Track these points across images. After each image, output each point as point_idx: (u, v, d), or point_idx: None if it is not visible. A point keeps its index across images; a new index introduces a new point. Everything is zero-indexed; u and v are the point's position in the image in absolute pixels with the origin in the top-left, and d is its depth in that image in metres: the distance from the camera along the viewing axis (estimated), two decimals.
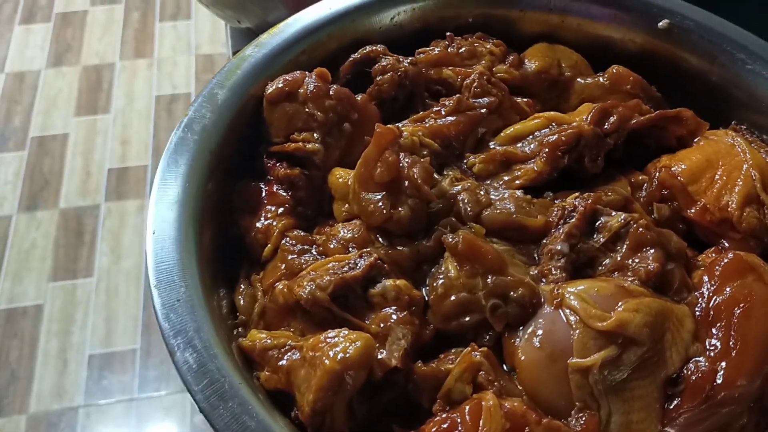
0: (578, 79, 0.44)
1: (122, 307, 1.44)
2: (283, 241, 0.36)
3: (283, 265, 0.36)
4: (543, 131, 0.39)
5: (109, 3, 2.09)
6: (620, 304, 0.31)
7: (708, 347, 0.31)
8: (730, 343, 0.31)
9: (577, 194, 0.37)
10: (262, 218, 0.37)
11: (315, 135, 0.38)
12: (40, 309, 1.44)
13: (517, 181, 0.38)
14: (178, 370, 0.29)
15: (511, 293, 0.33)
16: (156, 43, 1.98)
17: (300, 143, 0.38)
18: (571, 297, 0.32)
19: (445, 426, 0.30)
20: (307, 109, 0.38)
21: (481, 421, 0.29)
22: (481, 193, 0.37)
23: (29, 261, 1.55)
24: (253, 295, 0.36)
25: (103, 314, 1.42)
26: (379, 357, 0.31)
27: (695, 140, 0.39)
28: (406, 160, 0.36)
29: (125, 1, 2.08)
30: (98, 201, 1.68)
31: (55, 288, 1.45)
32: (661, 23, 0.43)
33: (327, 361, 0.30)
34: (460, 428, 0.30)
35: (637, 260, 0.33)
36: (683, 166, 0.37)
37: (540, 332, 0.32)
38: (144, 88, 1.88)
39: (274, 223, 0.37)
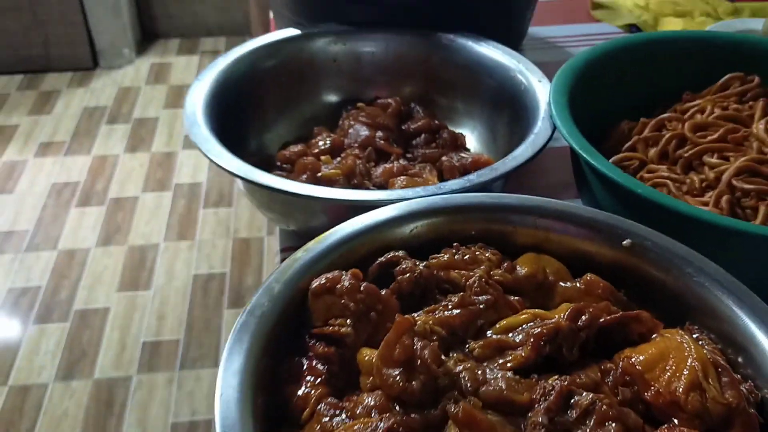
0: (560, 283, 0.54)
1: None
2: (319, 407, 0.45)
3: (318, 426, 0.44)
4: (529, 324, 0.49)
5: (159, 190, 2.30)
6: None
7: None
8: None
9: (556, 377, 0.46)
10: (303, 387, 0.47)
11: (348, 321, 0.49)
12: None
13: (508, 364, 0.47)
14: None
15: None
16: (198, 227, 2.15)
17: (335, 327, 0.48)
18: None
19: None
20: (342, 301, 0.49)
21: None
22: (479, 372, 0.46)
23: (59, 430, 1.61)
24: None
25: None
26: None
27: (653, 336, 0.49)
28: (419, 343, 0.46)
29: (174, 189, 2.29)
30: (130, 373, 1.76)
31: None
32: (624, 242, 0.54)
33: None
34: None
35: None
36: (641, 358, 0.47)
37: None
38: (183, 267, 2.02)
39: (312, 392, 0.46)
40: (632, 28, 1.10)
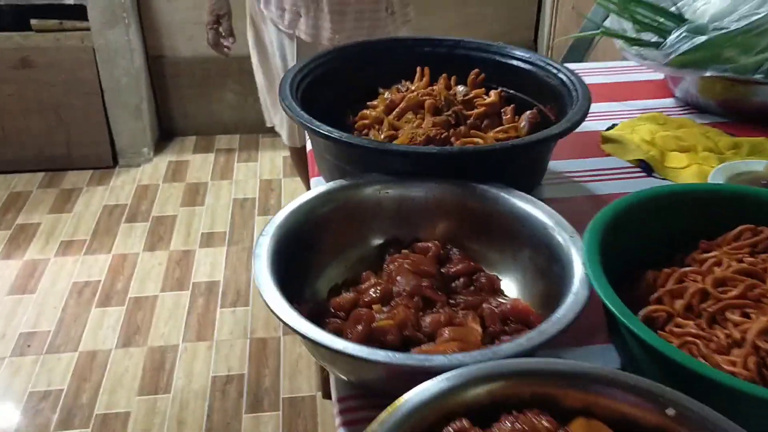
0: None
1: None
2: None
3: None
4: None
5: (177, 289, 2.35)
6: None
7: None
8: None
9: None
10: None
11: None
12: None
13: None
14: None
15: None
16: (216, 327, 2.19)
17: None
18: None
19: None
20: None
21: None
22: None
23: None
24: None
25: None
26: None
27: None
28: None
29: (192, 287, 2.34)
30: None
31: None
32: (668, 410, 0.60)
33: None
34: None
35: None
36: None
37: None
38: (202, 369, 2.05)
39: None
40: (641, 162, 1.18)
